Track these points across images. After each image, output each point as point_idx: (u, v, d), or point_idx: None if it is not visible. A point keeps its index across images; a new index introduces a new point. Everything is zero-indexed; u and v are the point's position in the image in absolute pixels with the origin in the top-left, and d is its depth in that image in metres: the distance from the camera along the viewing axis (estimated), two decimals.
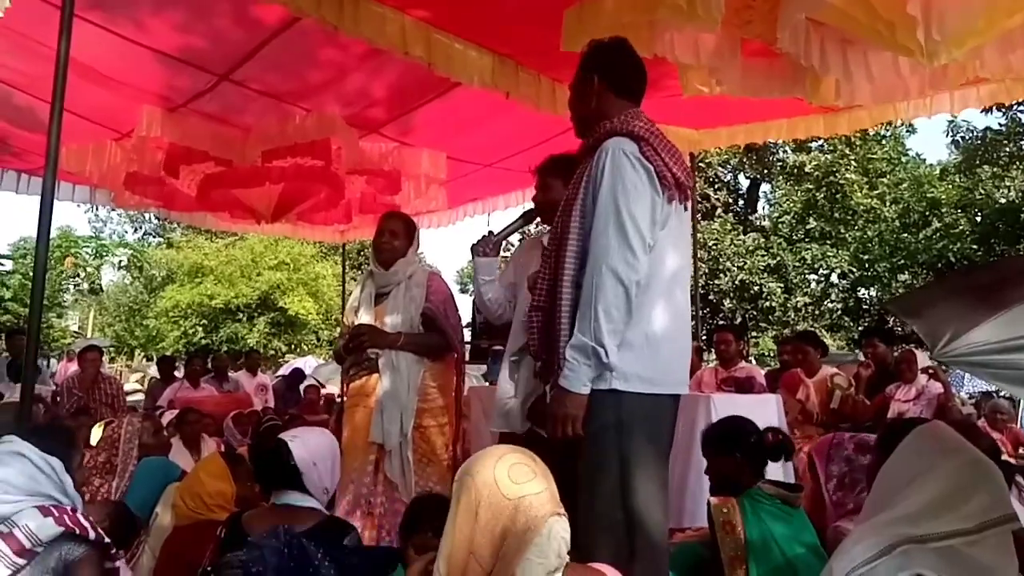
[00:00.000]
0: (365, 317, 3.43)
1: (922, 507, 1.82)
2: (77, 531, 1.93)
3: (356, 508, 3.22)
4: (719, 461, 2.76)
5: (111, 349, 24.43)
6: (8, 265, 25.58)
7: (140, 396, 10.38)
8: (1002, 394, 9.14)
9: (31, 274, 3.04)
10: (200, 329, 22.55)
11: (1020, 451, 6.01)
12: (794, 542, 2.46)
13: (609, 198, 2.09)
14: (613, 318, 2.03)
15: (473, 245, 3.05)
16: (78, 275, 28.31)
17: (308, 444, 2.47)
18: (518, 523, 1.49)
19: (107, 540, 2.01)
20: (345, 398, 3.55)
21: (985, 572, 1.74)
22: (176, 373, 9.10)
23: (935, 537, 1.76)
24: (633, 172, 2.10)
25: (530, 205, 3.08)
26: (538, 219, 3.05)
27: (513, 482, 1.52)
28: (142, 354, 26.22)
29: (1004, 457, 4.27)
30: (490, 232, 3.03)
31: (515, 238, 3.18)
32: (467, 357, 4.22)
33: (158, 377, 8.82)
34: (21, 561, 1.86)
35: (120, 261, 28.85)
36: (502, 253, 3.23)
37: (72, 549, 1.94)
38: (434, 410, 3.36)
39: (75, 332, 28.37)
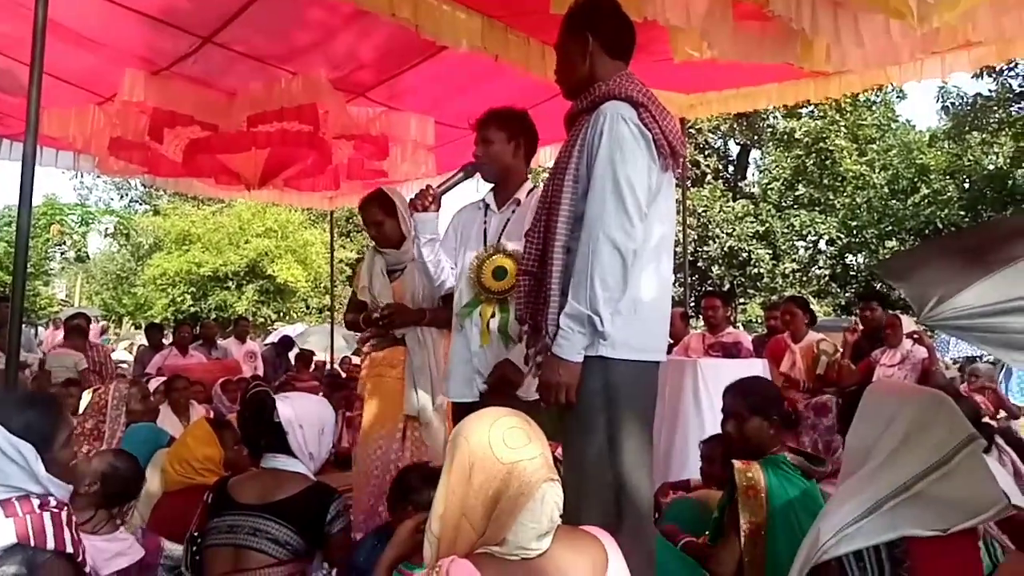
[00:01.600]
0: (384, 293, 3.44)
1: (893, 453, 1.88)
2: (33, 543, 1.76)
3: (386, 473, 3.28)
4: (750, 420, 2.60)
5: (99, 317, 24.33)
6: None
7: (128, 364, 10.36)
8: (985, 358, 9.26)
9: (15, 241, 3.01)
10: (188, 297, 22.44)
11: (1000, 413, 6.10)
12: (809, 515, 2.38)
13: (607, 164, 2.05)
14: (609, 286, 2.02)
15: (411, 199, 2.85)
16: (64, 243, 28.11)
17: (296, 405, 2.47)
18: (511, 487, 1.50)
19: (71, 550, 1.82)
20: (364, 369, 3.57)
21: (965, 500, 1.79)
22: (164, 341, 9.09)
23: (916, 479, 1.80)
24: (632, 139, 2.06)
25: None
26: (479, 176, 2.91)
27: (507, 446, 1.52)
28: (130, 322, 26.13)
29: (985, 420, 4.34)
30: (428, 186, 2.84)
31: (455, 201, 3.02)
32: None
33: (147, 345, 8.81)
34: None
35: (107, 229, 28.64)
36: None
37: (36, 555, 1.77)
38: None
39: (62, 300, 28.23)
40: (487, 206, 2.95)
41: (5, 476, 1.79)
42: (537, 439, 1.58)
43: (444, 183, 2.86)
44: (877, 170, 21.15)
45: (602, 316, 2.01)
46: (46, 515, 1.81)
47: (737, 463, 2.49)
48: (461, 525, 1.53)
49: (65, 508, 1.88)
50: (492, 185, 2.94)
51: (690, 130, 19.22)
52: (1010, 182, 18.47)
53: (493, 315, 2.80)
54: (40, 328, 19.61)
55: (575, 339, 2.04)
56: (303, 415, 2.44)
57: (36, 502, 1.81)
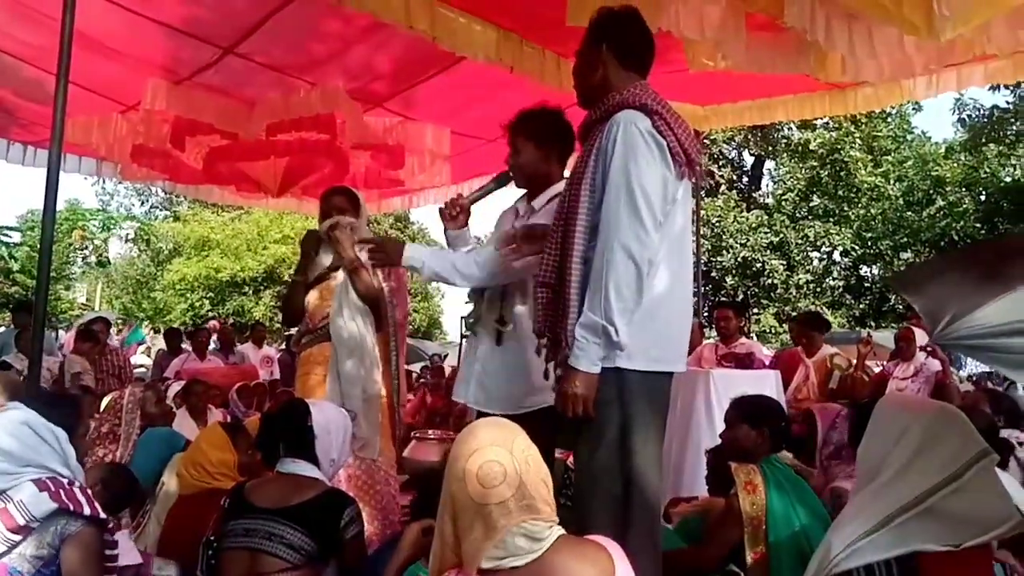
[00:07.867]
0: (313, 292, 3.43)
1: (904, 467, 1.88)
2: (72, 507, 1.90)
3: None
4: (743, 429, 2.76)
5: (118, 321, 24.53)
6: (16, 237, 25.64)
7: (147, 368, 10.45)
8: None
9: (39, 246, 3.07)
10: (207, 302, 22.61)
11: None
12: (807, 509, 2.52)
13: (621, 173, 2.04)
14: (624, 296, 2.00)
15: (441, 208, 2.77)
16: (86, 247, 28.36)
17: (325, 412, 2.59)
18: (476, 529, 1.52)
19: (103, 516, 1.98)
20: (299, 367, 3.52)
21: (978, 515, 1.79)
22: (183, 345, 9.17)
23: (927, 494, 1.80)
24: (646, 147, 2.06)
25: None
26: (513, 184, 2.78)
27: (481, 485, 1.53)
28: (149, 326, 26.33)
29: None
30: (460, 195, 2.78)
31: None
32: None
33: (165, 349, 8.88)
34: (16, 537, 1.84)
35: (127, 234, 28.87)
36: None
37: (68, 524, 1.91)
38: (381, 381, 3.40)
39: (83, 304, 28.48)
40: (518, 213, 2.85)
41: (39, 455, 1.94)
42: (513, 472, 1.55)
43: (475, 192, 2.81)
44: (892, 182, 20.99)
45: (617, 326, 2.00)
46: (76, 488, 1.97)
47: (734, 464, 2.61)
48: (447, 541, 1.58)
49: (87, 490, 2.04)
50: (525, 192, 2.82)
51: (704, 141, 19.19)
52: None
53: None
54: (61, 331, 19.79)
55: (591, 350, 2.03)
56: (331, 422, 2.56)
57: (65, 481, 1.96)
